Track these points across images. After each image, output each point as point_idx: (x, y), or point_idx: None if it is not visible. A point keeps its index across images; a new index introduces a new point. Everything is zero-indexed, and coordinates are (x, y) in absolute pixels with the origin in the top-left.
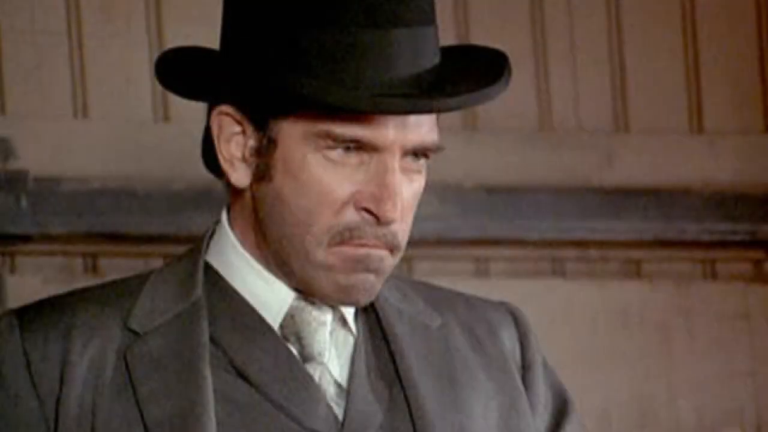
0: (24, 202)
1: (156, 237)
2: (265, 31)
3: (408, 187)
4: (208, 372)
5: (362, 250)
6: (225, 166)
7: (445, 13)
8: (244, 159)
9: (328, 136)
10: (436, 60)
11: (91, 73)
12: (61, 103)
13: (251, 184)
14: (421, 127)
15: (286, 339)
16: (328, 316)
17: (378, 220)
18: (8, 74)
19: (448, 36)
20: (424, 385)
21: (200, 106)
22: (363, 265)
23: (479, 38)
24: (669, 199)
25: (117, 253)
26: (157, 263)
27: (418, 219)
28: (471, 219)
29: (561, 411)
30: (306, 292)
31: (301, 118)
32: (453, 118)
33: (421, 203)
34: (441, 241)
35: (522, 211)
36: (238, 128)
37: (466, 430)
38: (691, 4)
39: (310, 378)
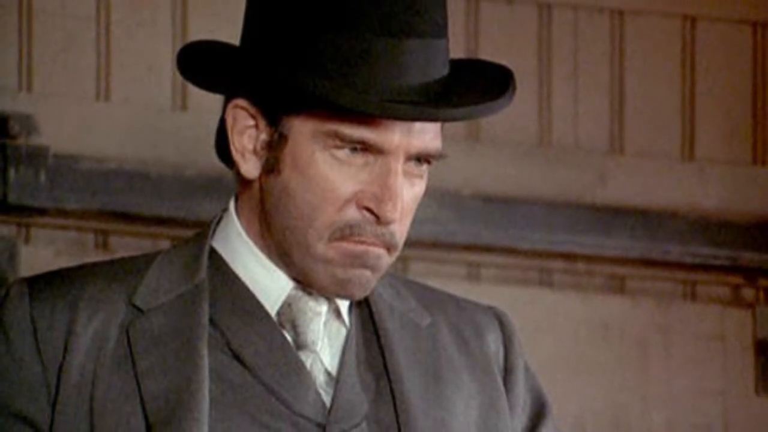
0: (42, 177)
1: (166, 219)
2: (284, 31)
3: (409, 190)
4: (205, 351)
5: (361, 247)
6: (236, 156)
7: (456, 27)
8: (255, 151)
9: (337, 135)
10: (445, 71)
11: (116, 59)
12: (85, 85)
13: (260, 176)
14: (426, 134)
15: (282, 326)
16: (323, 307)
17: (378, 219)
18: (37, 54)
19: (457, 49)
20: (409, 380)
21: (217, 98)
22: (360, 260)
23: (487, 53)
24: (656, 221)
25: (127, 232)
26: (165, 244)
27: (416, 221)
28: (466, 225)
29: (538, 414)
30: (304, 283)
31: (312, 116)
32: (456, 127)
33: (420, 207)
34: (436, 244)
35: (516, 221)
36: (251, 122)
37: (447, 425)
38: (692, 38)
39: (302, 365)
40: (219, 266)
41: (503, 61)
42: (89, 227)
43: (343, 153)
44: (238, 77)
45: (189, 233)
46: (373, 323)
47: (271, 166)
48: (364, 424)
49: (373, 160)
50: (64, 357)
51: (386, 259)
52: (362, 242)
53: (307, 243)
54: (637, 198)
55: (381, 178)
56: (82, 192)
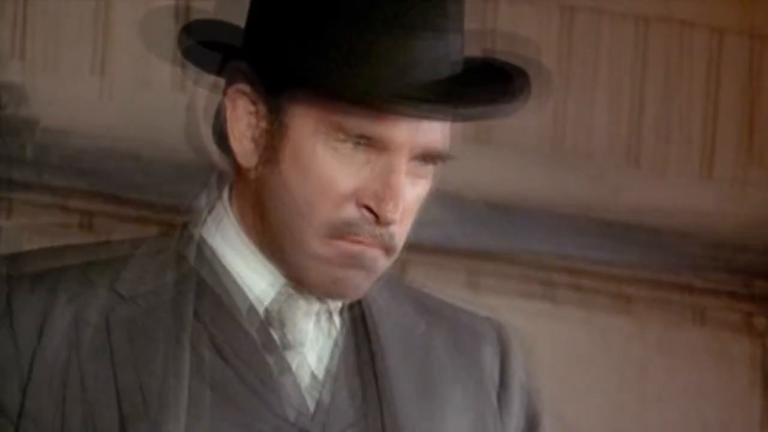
0: (29, 151)
1: (155, 204)
2: (292, 17)
3: (411, 191)
4: (187, 345)
5: (357, 247)
6: (234, 143)
7: (473, 25)
8: (253, 139)
9: (340, 128)
10: (459, 69)
11: (114, 33)
12: (80, 57)
13: (257, 165)
14: (433, 133)
15: (270, 324)
16: (314, 307)
17: (377, 219)
18: (31, 21)
19: (473, 48)
20: (399, 388)
21: (219, 81)
22: (356, 261)
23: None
24: (669, 241)
25: (114, 215)
26: (152, 230)
27: (416, 223)
28: (468, 230)
29: None
30: (296, 281)
31: (315, 107)
32: (465, 127)
33: (423, 208)
34: (436, 249)
35: (520, 230)
36: (252, 108)
37: None
38: (718, 51)
39: (288, 366)
40: (207, 257)
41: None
42: (74, 207)
43: (346, 147)
44: (240, 60)
45: (179, 220)
46: (366, 327)
47: (269, 156)
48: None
49: (376, 156)
50: (39, 340)
51: (383, 261)
52: (359, 242)
53: (301, 239)
54: (650, 215)
55: (383, 176)
56: (69, 169)
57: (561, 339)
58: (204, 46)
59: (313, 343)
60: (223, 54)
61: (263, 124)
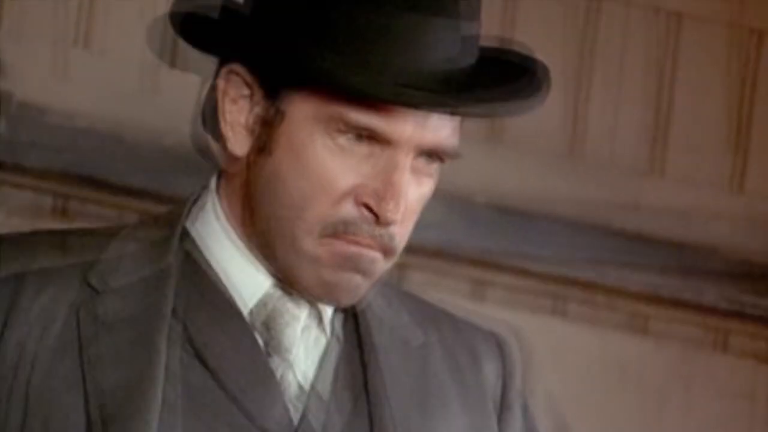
0: (2, 127)
1: (136, 191)
2: (292, 8)
3: (415, 190)
4: (163, 346)
5: (354, 248)
6: (225, 128)
7: (491, 15)
8: (246, 126)
9: (341, 119)
10: (472, 60)
11: (100, 2)
12: (63, 27)
13: (249, 154)
14: (443, 129)
15: (254, 327)
16: (303, 311)
17: (377, 218)
18: None
19: (490, 41)
20: (391, 405)
21: (213, 60)
22: (352, 263)
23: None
24: (692, 257)
25: (91, 200)
26: (131, 219)
27: (419, 225)
28: (476, 236)
29: None
30: (285, 281)
31: (315, 94)
32: (478, 126)
33: (426, 209)
34: (440, 254)
35: (532, 239)
36: (246, 91)
37: None
38: (757, 55)
39: (271, 373)
40: (190, 251)
41: (540, 56)
42: (48, 189)
43: (347, 140)
44: (237, 39)
45: (161, 209)
46: (358, 336)
47: (263, 145)
48: None
49: (379, 151)
50: (2, 333)
51: (381, 264)
52: (356, 242)
53: (293, 236)
54: (673, 229)
55: (385, 172)
56: (44, 149)
57: (571, 358)
58: (199, 20)
59: (300, 350)
60: (219, 29)
61: (258, 109)
